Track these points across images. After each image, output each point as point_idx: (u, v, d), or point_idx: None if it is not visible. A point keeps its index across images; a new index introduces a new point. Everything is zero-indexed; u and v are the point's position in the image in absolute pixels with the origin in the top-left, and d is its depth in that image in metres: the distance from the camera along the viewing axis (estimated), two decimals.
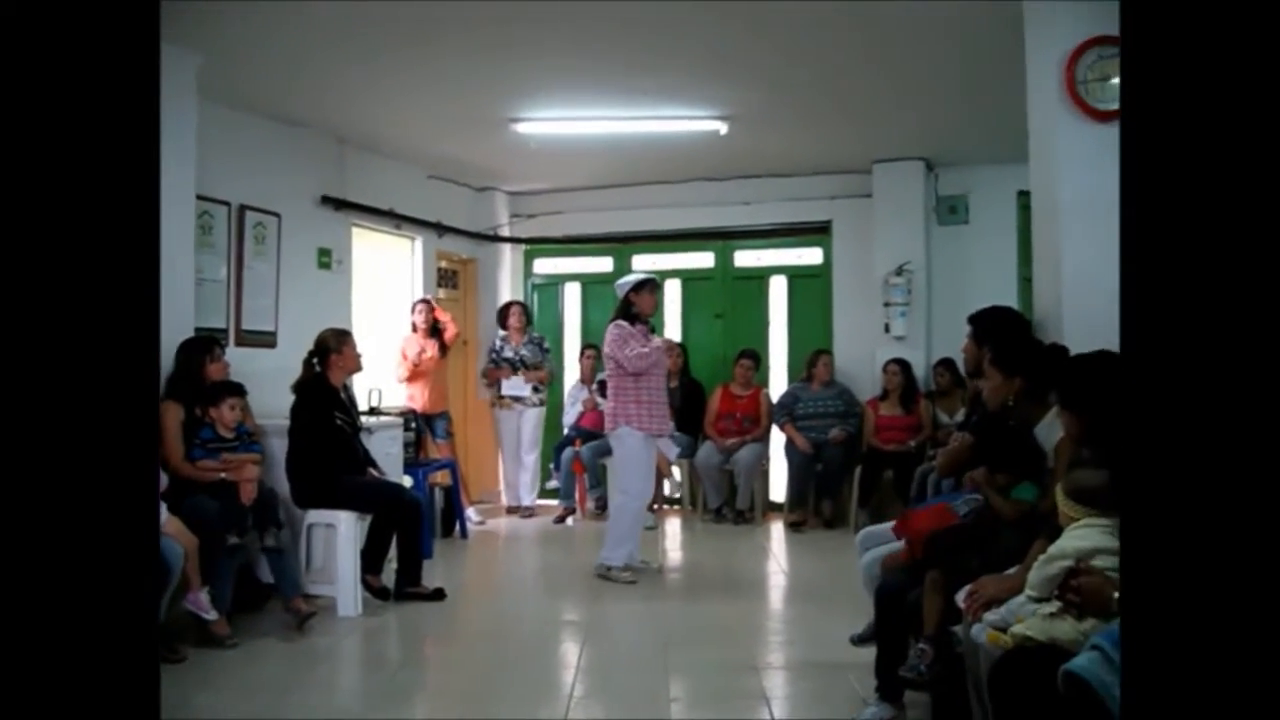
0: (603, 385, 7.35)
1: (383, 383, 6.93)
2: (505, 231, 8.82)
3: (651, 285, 5.85)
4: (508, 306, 8.13)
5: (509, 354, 7.95)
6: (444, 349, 7.48)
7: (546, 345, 8.18)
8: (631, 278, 5.89)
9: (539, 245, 8.96)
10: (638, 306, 5.78)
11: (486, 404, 8.28)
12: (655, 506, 7.69)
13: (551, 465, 8.19)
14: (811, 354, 7.89)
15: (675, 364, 7.78)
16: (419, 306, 7.46)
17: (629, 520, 5.82)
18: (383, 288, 7.71)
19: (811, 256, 8.44)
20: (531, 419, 8.05)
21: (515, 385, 7.92)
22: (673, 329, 8.63)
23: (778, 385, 8.38)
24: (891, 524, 3.76)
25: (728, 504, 7.84)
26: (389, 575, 5.34)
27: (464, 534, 7.20)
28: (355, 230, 7.21)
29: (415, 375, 7.30)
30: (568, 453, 7.96)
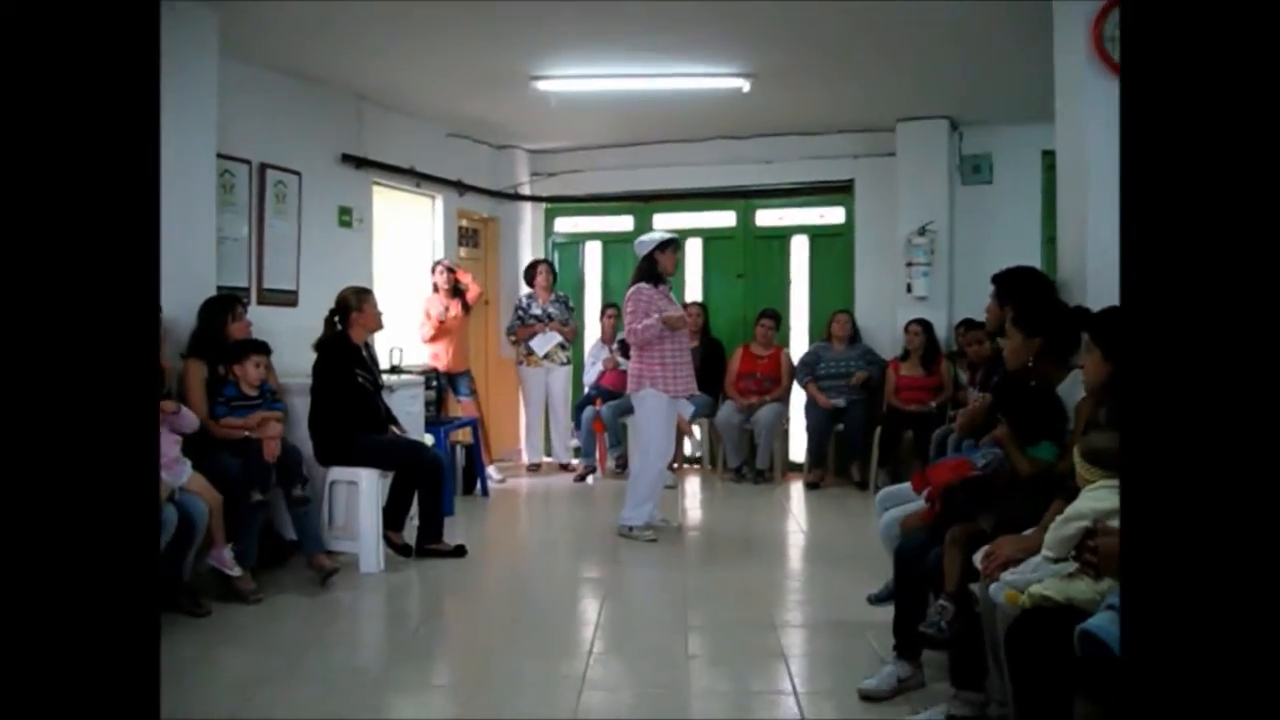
0: (624, 345, 7.39)
1: (404, 341, 6.96)
2: (526, 190, 8.80)
3: (674, 245, 5.84)
4: (535, 265, 8.14)
5: (536, 311, 7.99)
6: (466, 308, 7.51)
7: (573, 304, 8.25)
8: (653, 236, 5.89)
9: (560, 204, 8.96)
10: (661, 266, 5.77)
11: (509, 362, 8.32)
12: (675, 465, 7.73)
13: (572, 424, 8.25)
14: (832, 314, 7.88)
15: (695, 324, 7.81)
16: (439, 268, 7.48)
17: (650, 481, 5.82)
18: (403, 246, 7.72)
19: (833, 216, 8.40)
20: (561, 378, 8.12)
21: (547, 339, 7.94)
22: (693, 289, 8.63)
23: (798, 346, 8.37)
24: (910, 483, 3.75)
25: (747, 463, 7.85)
26: (410, 532, 5.37)
27: (485, 492, 7.24)
28: (376, 189, 7.20)
29: (439, 334, 7.33)
30: (588, 412, 7.98)
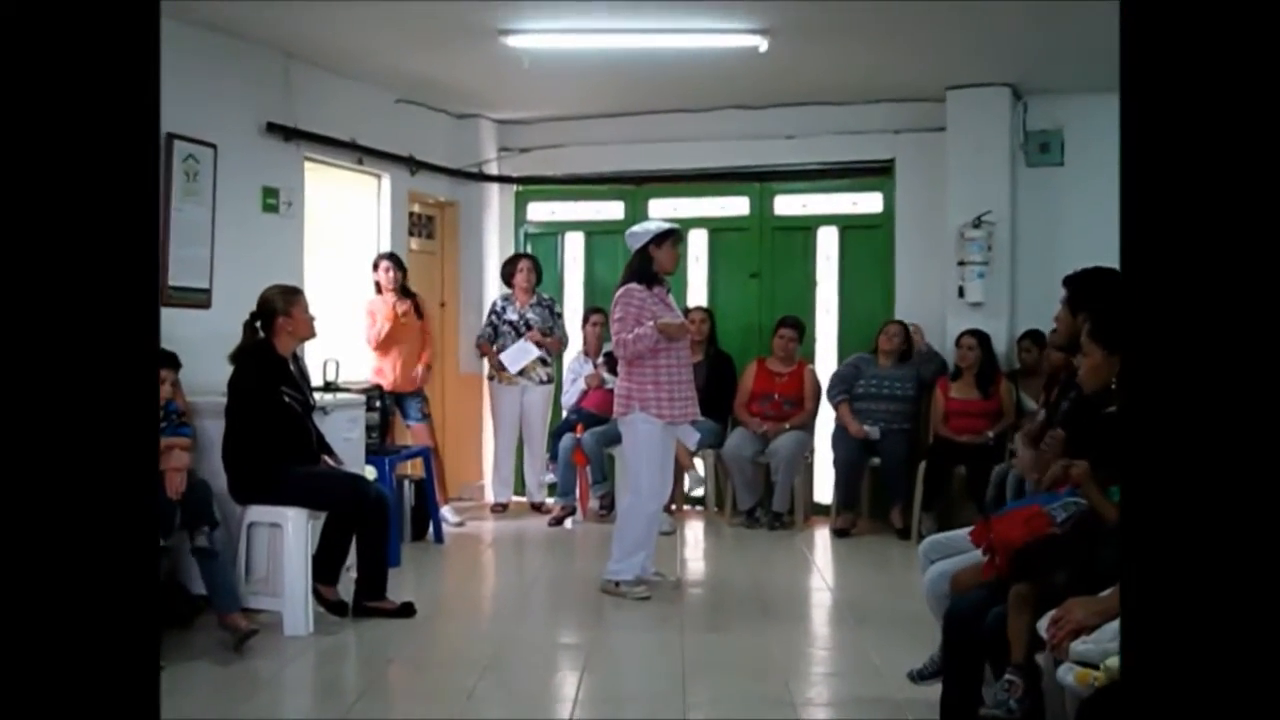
0: (610, 359, 7.37)
1: (342, 352, 6.94)
2: (493, 169, 8.82)
3: (674, 238, 5.88)
4: (516, 260, 8.22)
5: (512, 316, 8.05)
6: (419, 312, 7.53)
7: (558, 309, 8.31)
8: (648, 226, 5.92)
9: (534, 186, 8.98)
10: (657, 263, 5.79)
11: (471, 380, 8.38)
12: (673, 507, 7.75)
13: (548, 455, 8.24)
14: (883, 324, 7.88)
15: (700, 334, 7.81)
16: (384, 264, 7.48)
17: (641, 525, 5.82)
18: (343, 236, 7.72)
19: (869, 203, 8.41)
20: (539, 399, 8.18)
21: (524, 352, 7.98)
22: (697, 291, 8.64)
23: (825, 362, 8.39)
24: (966, 531, 3.75)
25: (762, 505, 7.87)
26: (347, 587, 5.36)
27: (439, 537, 7.23)
28: (308, 165, 7.20)
29: (387, 343, 7.36)
30: (567, 440, 7.96)
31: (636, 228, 5.97)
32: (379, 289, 7.48)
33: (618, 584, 5.79)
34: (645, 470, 5.78)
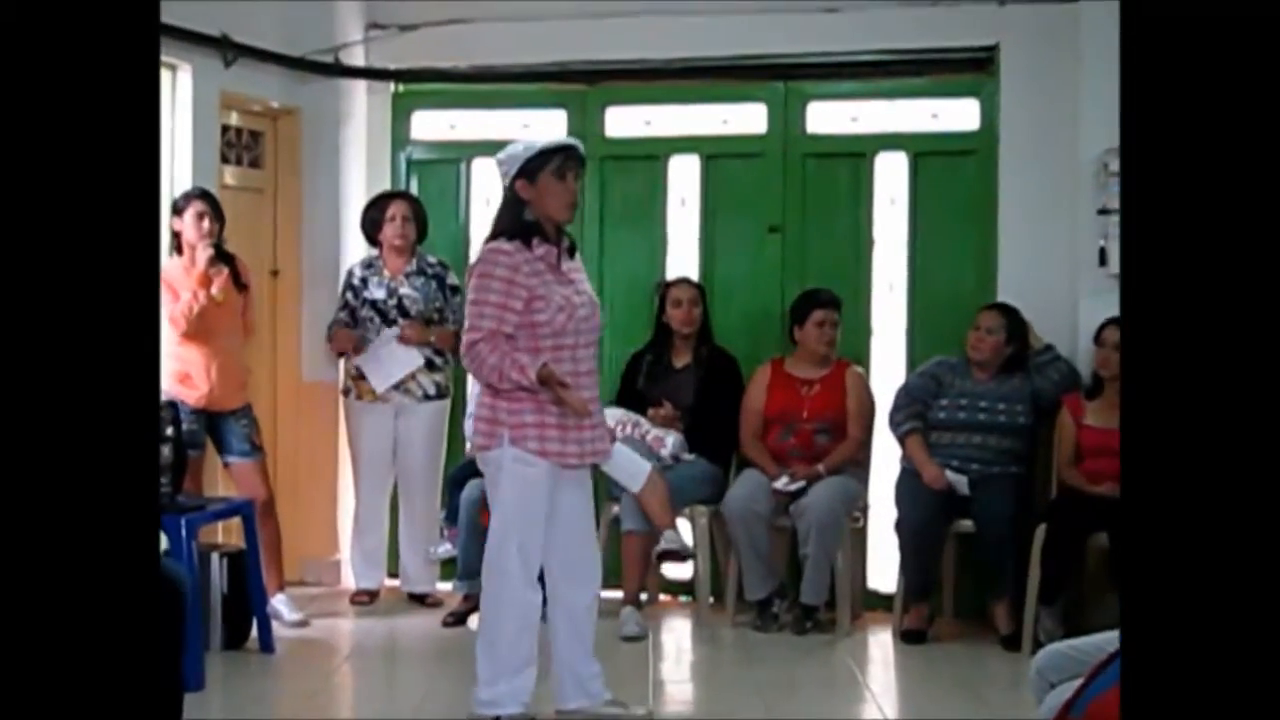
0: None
1: None
2: (356, 58, 8.80)
3: (566, 159, 5.75)
4: (384, 201, 8.28)
5: (377, 293, 8.10)
6: (240, 284, 7.42)
7: (452, 280, 8.26)
8: (519, 147, 5.79)
9: (422, 86, 9.08)
10: (535, 207, 5.71)
11: (323, 392, 8.47)
12: (643, 597, 7.84)
13: (441, 514, 8.18)
14: (978, 311, 7.80)
15: (688, 317, 7.94)
16: (193, 208, 7.30)
17: (513, 622, 5.79)
18: None
19: (958, 116, 8.45)
20: (424, 423, 8.22)
21: (388, 355, 8.00)
22: (681, 256, 8.63)
23: (885, 368, 8.36)
24: (1106, 638, 3.97)
25: (784, 593, 7.74)
26: None
27: (266, 644, 7.17)
28: None
29: (199, 332, 7.22)
30: (472, 489, 7.76)
31: (507, 150, 5.84)
32: (178, 247, 7.30)
33: None
34: (515, 536, 5.75)
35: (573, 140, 5.95)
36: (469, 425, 8.06)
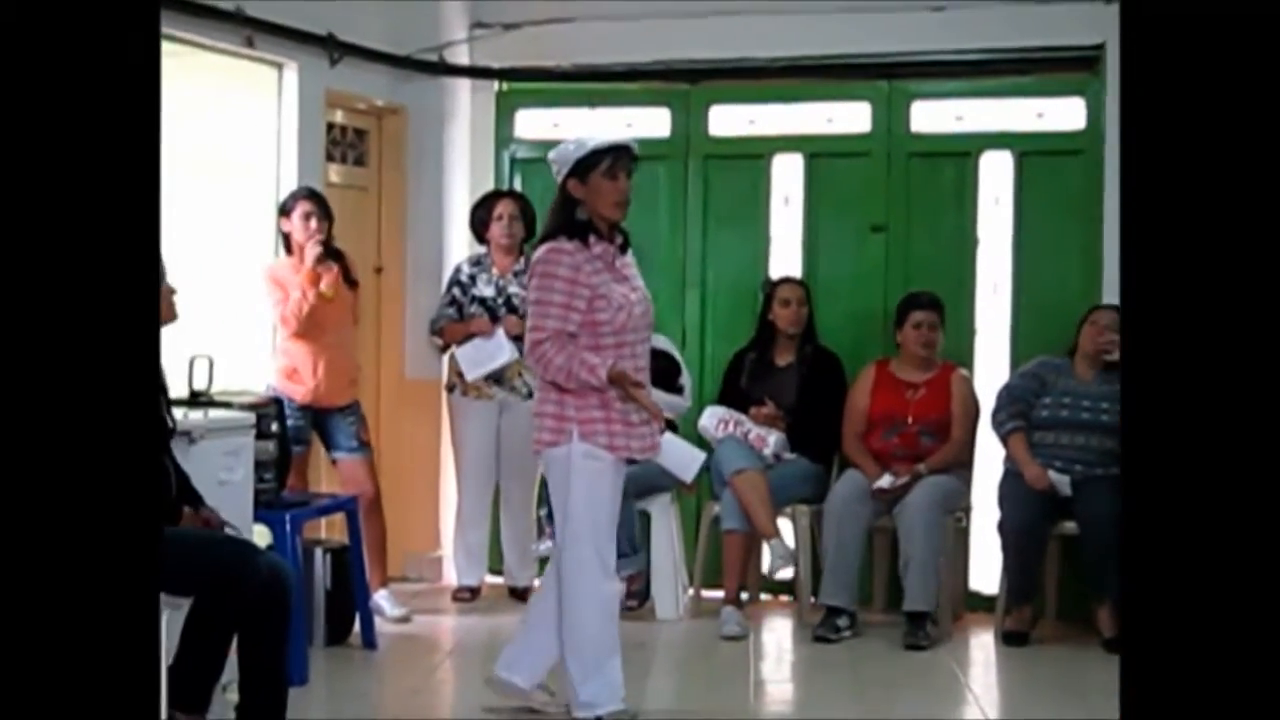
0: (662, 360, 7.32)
1: (221, 346, 6.95)
2: (461, 56, 8.84)
3: (618, 159, 5.74)
4: (492, 200, 8.29)
5: (485, 290, 8.12)
6: (351, 281, 7.48)
7: None
8: (570, 146, 5.78)
9: (526, 84, 9.07)
10: (587, 205, 5.70)
11: (428, 388, 8.49)
12: (744, 596, 7.84)
13: (541, 514, 8.20)
14: (1088, 311, 7.76)
15: (795, 316, 7.93)
16: (300, 208, 7.37)
17: (596, 619, 5.79)
18: (223, 159, 7.65)
19: (1064, 115, 8.41)
20: (527, 420, 7.94)
21: (488, 348, 8.01)
22: (785, 255, 8.62)
23: (990, 370, 8.33)
24: None
25: (854, 615, 7.59)
26: (224, 713, 5.25)
27: (369, 640, 7.20)
28: (166, 48, 7.03)
29: (304, 331, 7.28)
30: None
31: (560, 148, 5.83)
32: (289, 247, 7.37)
33: None
34: (589, 533, 5.76)
35: (626, 139, 5.92)
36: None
